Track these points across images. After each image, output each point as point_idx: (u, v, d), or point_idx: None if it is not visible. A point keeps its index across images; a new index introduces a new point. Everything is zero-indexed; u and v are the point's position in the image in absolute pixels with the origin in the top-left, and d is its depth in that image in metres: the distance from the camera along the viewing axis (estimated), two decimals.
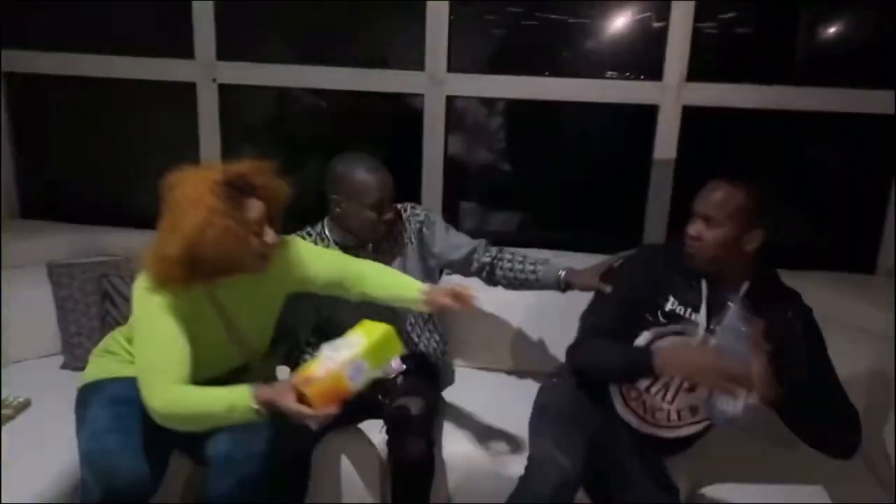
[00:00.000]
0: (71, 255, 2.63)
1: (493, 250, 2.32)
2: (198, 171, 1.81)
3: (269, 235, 1.86)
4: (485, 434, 2.24)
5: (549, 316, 2.52)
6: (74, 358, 2.51)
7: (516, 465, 1.97)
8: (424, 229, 2.32)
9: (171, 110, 2.98)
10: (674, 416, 1.83)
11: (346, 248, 2.23)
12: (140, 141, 3.07)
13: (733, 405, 1.70)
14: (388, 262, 2.23)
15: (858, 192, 2.75)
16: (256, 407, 1.72)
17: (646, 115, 2.69)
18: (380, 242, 2.27)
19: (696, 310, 1.81)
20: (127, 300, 2.45)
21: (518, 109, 2.95)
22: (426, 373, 2.34)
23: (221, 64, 2.85)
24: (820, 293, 2.42)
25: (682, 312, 1.83)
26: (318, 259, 2.10)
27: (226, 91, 2.89)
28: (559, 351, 2.22)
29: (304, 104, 3.08)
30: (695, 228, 1.79)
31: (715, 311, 1.80)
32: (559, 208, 3.05)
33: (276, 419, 1.77)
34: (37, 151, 3.13)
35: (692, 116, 2.66)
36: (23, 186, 3.12)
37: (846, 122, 2.63)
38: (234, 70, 2.85)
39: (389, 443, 2.12)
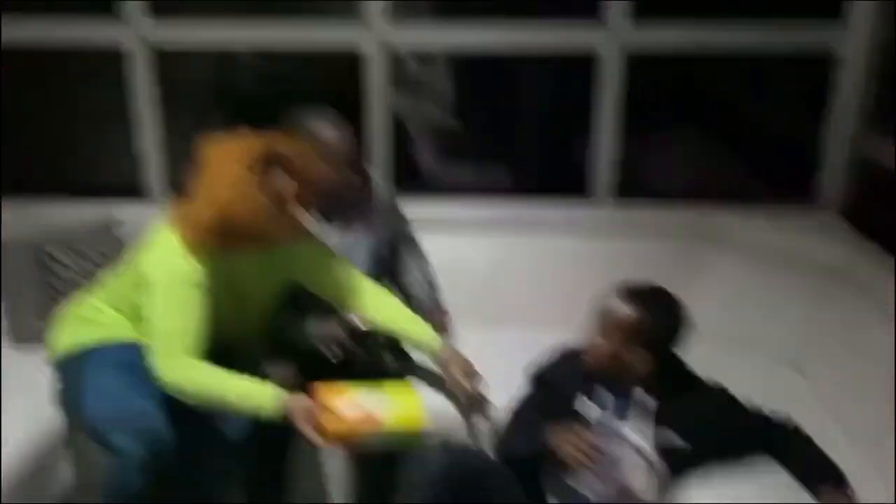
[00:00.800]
0: (6, 228, 2.52)
1: None
2: (234, 142, 1.83)
3: (298, 211, 1.88)
4: None
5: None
6: (17, 331, 2.43)
7: None
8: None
9: (101, 76, 2.85)
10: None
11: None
12: (71, 109, 2.93)
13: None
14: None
15: (796, 127, 2.79)
16: (275, 415, 1.77)
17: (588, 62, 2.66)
18: (348, 211, 2.20)
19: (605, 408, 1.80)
20: (67, 268, 2.42)
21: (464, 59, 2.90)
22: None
23: (152, 23, 2.71)
24: (763, 227, 2.57)
25: (592, 413, 1.82)
26: (329, 263, 2.07)
27: (160, 54, 2.76)
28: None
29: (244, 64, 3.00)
30: (589, 335, 1.79)
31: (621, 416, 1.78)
32: (508, 156, 3.02)
33: None
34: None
35: (634, 60, 2.64)
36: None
37: (781, 61, 2.64)
38: (167, 30, 2.73)
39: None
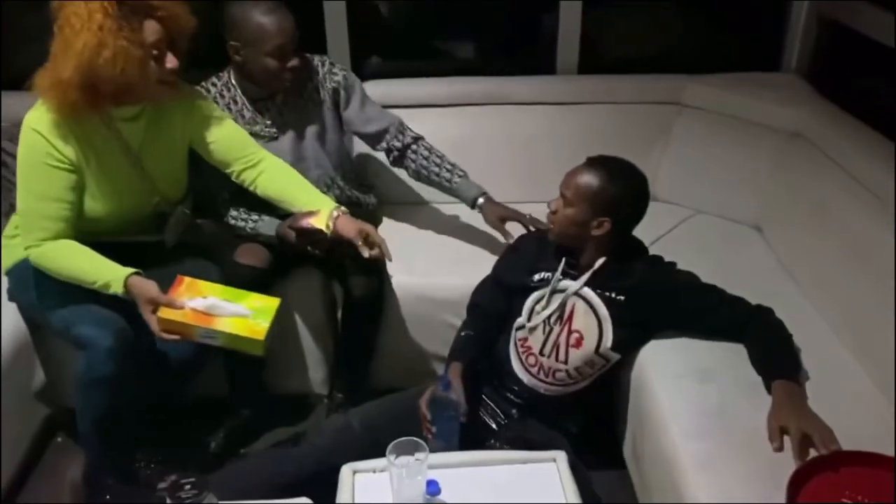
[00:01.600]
0: None
1: (408, 136, 2.25)
2: None
3: (170, 60, 1.80)
4: (422, 261, 2.29)
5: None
6: None
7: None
8: (342, 91, 2.20)
9: None
10: (574, 373, 1.88)
11: (253, 100, 2.13)
12: None
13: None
14: (301, 121, 2.16)
15: None
16: (123, 295, 1.78)
17: None
18: (289, 95, 2.15)
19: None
20: None
21: None
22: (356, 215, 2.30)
23: None
24: (727, 94, 2.57)
25: (548, 279, 1.89)
26: (218, 125, 2.00)
27: None
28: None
29: None
30: (553, 203, 1.84)
31: (574, 279, 1.86)
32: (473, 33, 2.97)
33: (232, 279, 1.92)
34: None
35: None
36: None
37: None
38: None
39: (344, 283, 2.14)
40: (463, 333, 1.98)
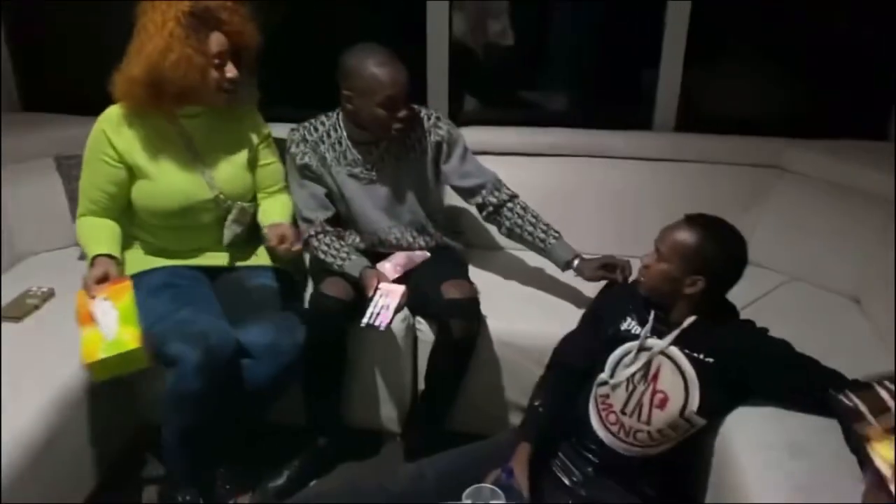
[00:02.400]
0: (78, 147, 2.58)
1: (504, 193, 2.25)
2: (167, 1, 1.92)
3: (230, 70, 1.99)
4: (507, 307, 2.28)
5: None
6: None
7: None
8: (444, 145, 2.23)
9: None
10: (656, 435, 1.83)
11: (357, 143, 2.20)
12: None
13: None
14: (400, 169, 2.22)
15: (869, 58, 2.68)
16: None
17: None
18: (392, 143, 2.20)
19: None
20: None
21: None
22: (448, 258, 2.35)
23: None
24: (829, 160, 2.51)
25: (636, 332, 1.87)
26: (272, 151, 2.24)
27: None
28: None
29: None
30: (647, 257, 1.82)
31: (661, 335, 1.83)
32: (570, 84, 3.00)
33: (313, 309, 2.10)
34: (34, 41, 3.03)
35: None
36: (23, 78, 3.05)
37: None
38: None
39: (441, 323, 2.13)
40: (537, 404, 1.93)
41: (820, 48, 2.68)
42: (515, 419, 2.26)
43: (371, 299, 1.98)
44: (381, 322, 1.94)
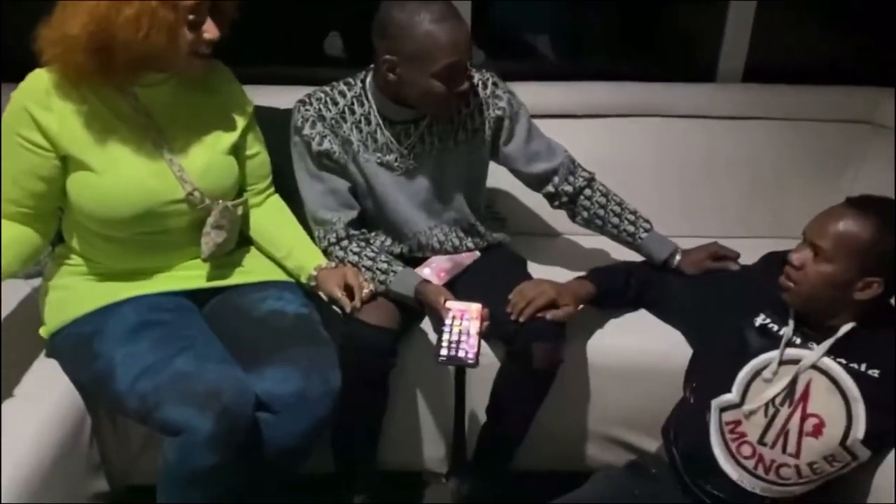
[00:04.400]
0: None
1: (580, 177, 1.82)
2: None
3: (210, 29, 1.48)
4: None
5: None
6: None
7: None
8: (506, 120, 1.77)
9: None
10: (806, 471, 1.50)
11: (392, 122, 1.70)
12: None
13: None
14: (445, 153, 1.75)
15: None
16: None
17: None
18: (441, 120, 1.72)
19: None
20: None
21: None
22: (503, 258, 1.90)
23: None
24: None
25: (774, 330, 1.53)
26: (259, 137, 1.73)
27: None
28: None
29: None
30: (800, 256, 1.43)
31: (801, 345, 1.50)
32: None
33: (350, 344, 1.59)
34: None
35: None
36: None
37: None
38: None
39: (518, 349, 1.67)
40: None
41: None
42: (595, 452, 1.89)
43: (443, 324, 1.53)
44: (468, 354, 1.48)
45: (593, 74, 2.31)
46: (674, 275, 1.80)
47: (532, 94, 2.11)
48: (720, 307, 1.63)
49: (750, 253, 1.77)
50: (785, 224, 1.61)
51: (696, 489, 1.56)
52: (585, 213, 1.83)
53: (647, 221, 1.83)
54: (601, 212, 1.81)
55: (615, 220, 1.81)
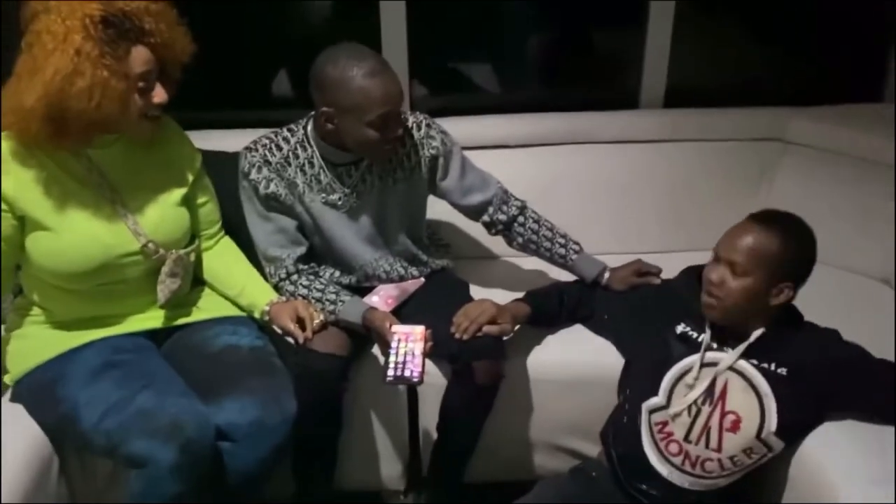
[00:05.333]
0: None
1: (513, 206, 1.93)
2: (68, 1, 1.45)
3: (158, 94, 1.55)
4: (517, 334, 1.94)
5: None
6: None
7: None
8: (440, 158, 1.87)
9: None
10: (727, 464, 1.61)
11: (334, 165, 1.79)
12: None
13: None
14: (385, 191, 1.85)
15: (860, 21, 2.50)
16: None
17: None
18: (379, 162, 1.81)
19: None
20: None
21: None
22: (446, 283, 2.00)
23: None
24: (837, 129, 2.31)
25: (694, 337, 1.64)
26: (207, 184, 1.81)
27: None
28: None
29: None
30: (718, 274, 1.54)
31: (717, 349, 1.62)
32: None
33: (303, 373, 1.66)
34: None
35: None
36: None
37: None
38: None
39: (460, 366, 1.78)
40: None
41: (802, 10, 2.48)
42: (541, 460, 1.99)
43: (389, 348, 1.62)
44: (413, 373, 1.57)
45: (524, 106, 2.42)
46: (603, 291, 1.92)
47: (469, 127, 2.26)
48: (645, 319, 1.74)
49: (672, 266, 1.86)
50: (704, 238, 1.72)
51: (632, 490, 1.66)
52: (520, 239, 1.94)
53: (576, 244, 1.95)
54: (534, 237, 1.92)
55: (547, 244, 1.92)
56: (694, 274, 1.70)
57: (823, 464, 1.56)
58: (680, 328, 1.65)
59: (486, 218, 1.93)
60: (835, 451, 1.56)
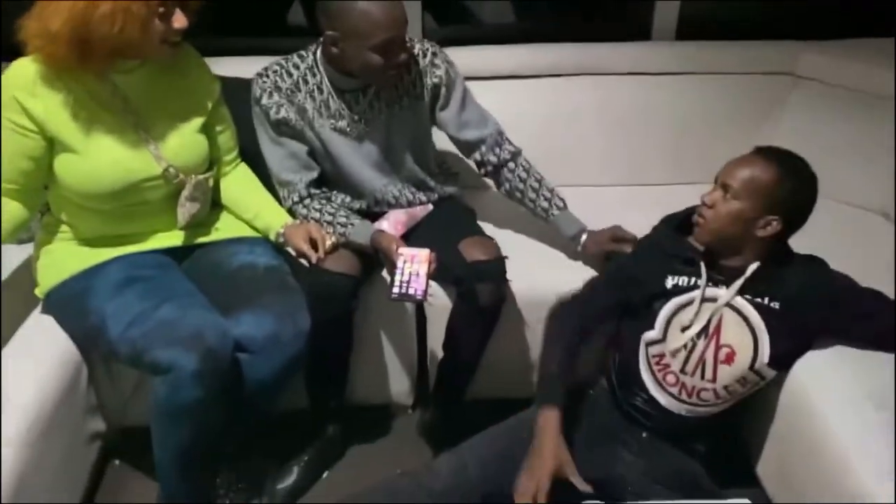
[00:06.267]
0: None
1: (506, 151, 1.96)
2: None
3: (178, 19, 1.59)
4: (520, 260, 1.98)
5: None
6: None
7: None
8: (442, 88, 1.89)
9: None
10: (722, 393, 1.67)
11: (341, 91, 1.84)
12: None
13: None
14: (393, 117, 1.89)
15: None
16: None
17: None
18: (386, 89, 1.85)
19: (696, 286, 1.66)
20: None
21: None
22: (454, 209, 2.06)
23: None
24: (848, 64, 2.32)
25: (685, 285, 1.67)
26: (226, 112, 1.87)
27: None
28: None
29: None
30: (711, 196, 1.60)
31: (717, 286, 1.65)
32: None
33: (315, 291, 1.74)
34: None
35: None
36: None
37: None
38: None
39: (465, 289, 1.84)
40: (555, 368, 1.67)
41: None
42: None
43: (395, 267, 1.70)
44: (417, 291, 1.65)
45: (535, 37, 2.42)
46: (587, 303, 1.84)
47: (478, 57, 2.29)
48: (636, 287, 1.72)
49: (679, 199, 1.82)
50: (711, 171, 1.76)
51: (628, 407, 1.74)
52: (507, 185, 1.98)
53: (561, 199, 1.97)
54: (521, 185, 1.96)
55: (532, 196, 1.96)
56: (674, 222, 1.75)
57: (804, 386, 1.64)
58: (670, 281, 1.68)
59: (477, 156, 1.97)
60: (812, 373, 1.65)
